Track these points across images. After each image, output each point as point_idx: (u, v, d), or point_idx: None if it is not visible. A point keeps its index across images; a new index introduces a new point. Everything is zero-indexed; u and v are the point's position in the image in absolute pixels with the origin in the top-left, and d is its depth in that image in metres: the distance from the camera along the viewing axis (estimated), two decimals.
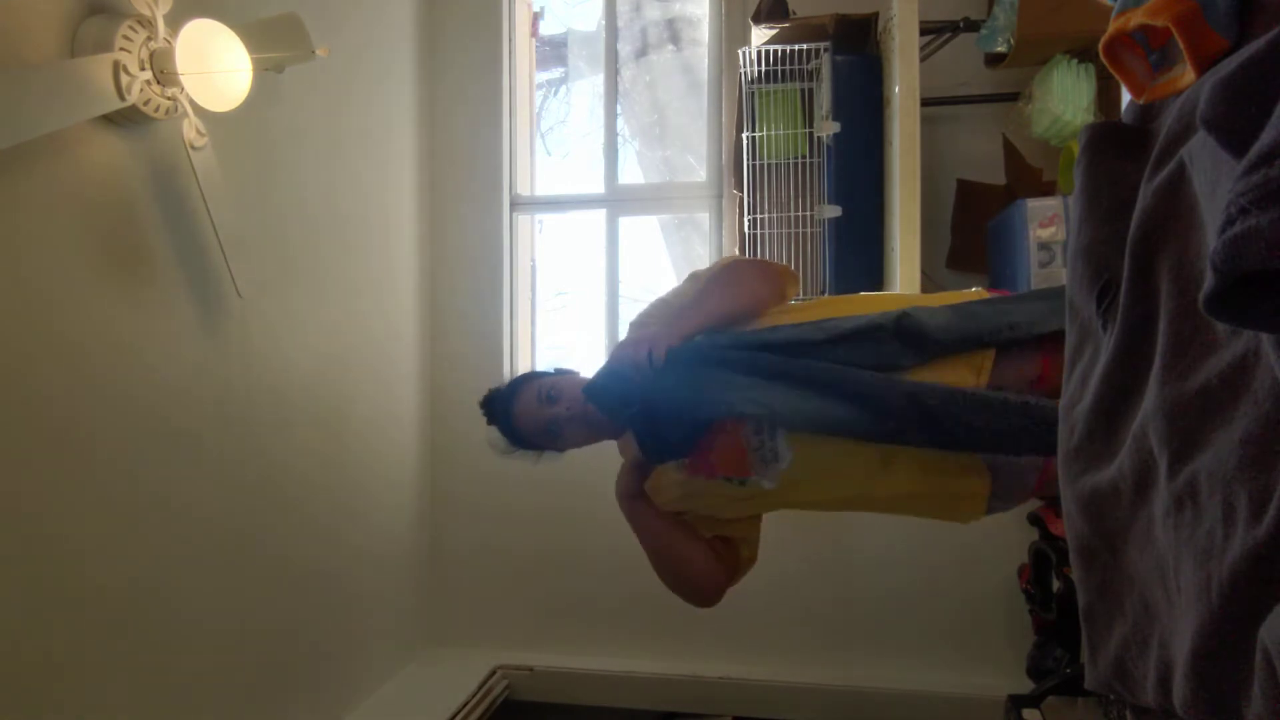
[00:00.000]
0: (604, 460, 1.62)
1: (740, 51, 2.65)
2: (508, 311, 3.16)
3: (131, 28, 1.64)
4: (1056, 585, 2.37)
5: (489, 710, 2.77)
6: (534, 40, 3.34)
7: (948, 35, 2.55)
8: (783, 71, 2.60)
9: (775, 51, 2.58)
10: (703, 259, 3.13)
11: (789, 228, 2.60)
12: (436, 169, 3.14)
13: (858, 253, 2.50)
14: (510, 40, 3.16)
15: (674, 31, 3.29)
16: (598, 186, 3.19)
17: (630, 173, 3.36)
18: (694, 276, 1.54)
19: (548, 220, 3.37)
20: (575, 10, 3.44)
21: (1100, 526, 0.67)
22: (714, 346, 1.35)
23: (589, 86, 3.43)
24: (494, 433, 1.55)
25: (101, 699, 1.71)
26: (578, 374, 1.56)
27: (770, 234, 2.61)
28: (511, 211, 3.20)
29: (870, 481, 1.34)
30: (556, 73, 3.53)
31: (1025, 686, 2.31)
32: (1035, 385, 1.29)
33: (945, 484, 1.32)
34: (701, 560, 1.43)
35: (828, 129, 2.51)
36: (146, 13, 1.66)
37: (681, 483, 1.41)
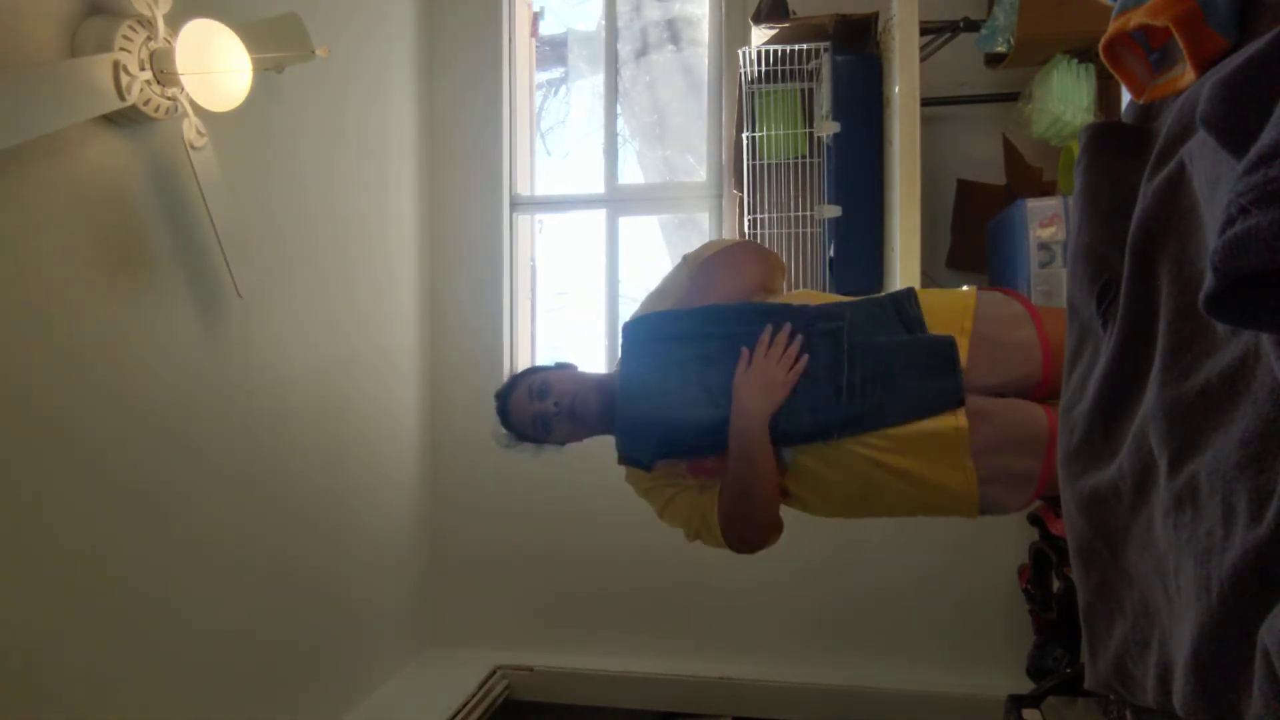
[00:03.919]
0: (604, 461, 1.62)
1: (740, 51, 2.65)
2: (508, 311, 3.16)
3: (131, 28, 1.64)
4: (1056, 585, 2.37)
5: (489, 710, 2.77)
6: (534, 40, 3.34)
7: (948, 35, 2.54)
8: (783, 71, 2.59)
9: (775, 51, 2.58)
10: None
11: (789, 228, 2.60)
12: (436, 169, 3.14)
13: (858, 253, 2.50)
14: (510, 40, 3.16)
15: (674, 31, 3.29)
16: (598, 186, 3.19)
17: (630, 173, 3.36)
18: (685, 260, 1.56)
19: (548, 220, 3.37)
20: (575, 10, 3.44)
21: (1100, 526, 0.67)
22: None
23: (589, 86, 3.43)
24: (498, 426, 1.59)
25: (104, 699, 1.71)
26: (575, 368, 1.60)
27: (770, 234, 2.61)
28: (511, 211, 3.19)
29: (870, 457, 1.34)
30: (556, 73, 3.53)
31: (1025, 686, 2.31)
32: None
33: (933, 463, 1.33)
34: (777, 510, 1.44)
35: (828, 129, 2.51)
36: (146, 13, 1.66)
37: (694, 484, 1.45)
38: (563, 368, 1.61)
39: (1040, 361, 1.36)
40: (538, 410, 1.49)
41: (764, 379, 1.32)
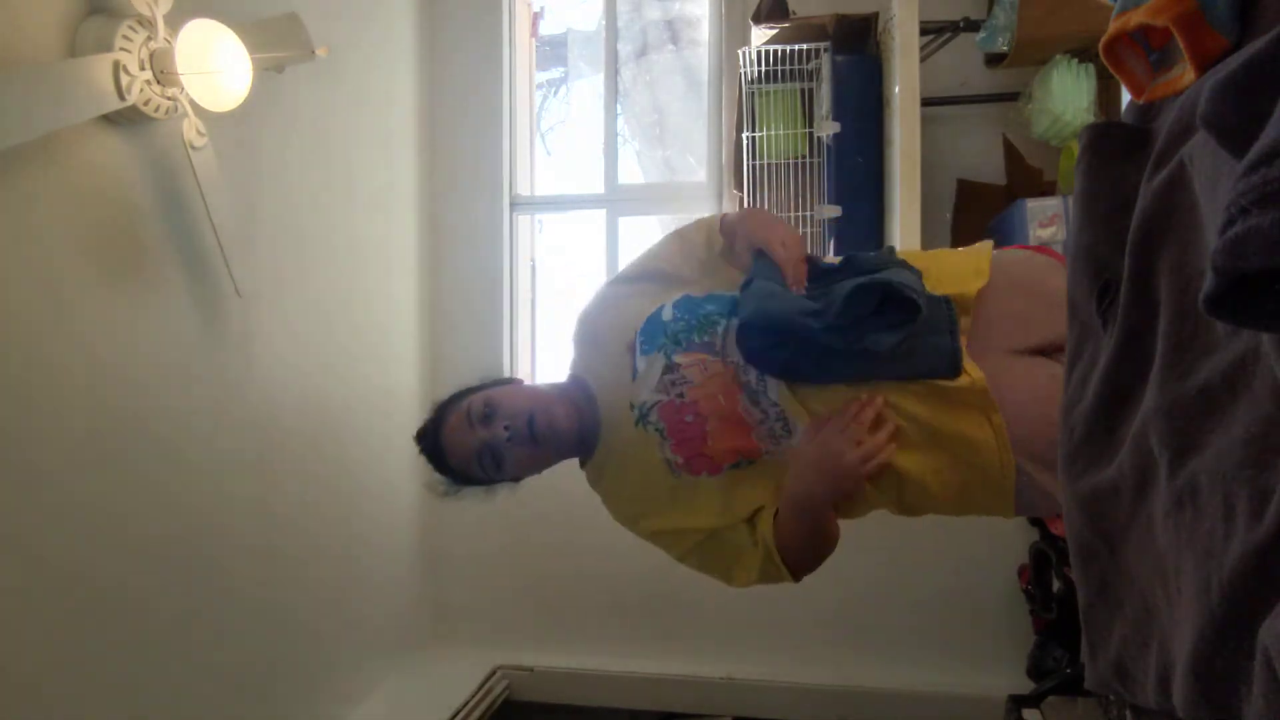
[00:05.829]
0: None
1: (740, 51, 2.65)
2: (508, 312, 3.16)
3: (131, 28, 1.64)
4: (1056, 585, 2.37)
5: (489, 710, 2.77)
6: (534, 40, 3.34)
7: (948, 35, 2.54)
8: (783, 71, 2.59)
9: (775, 51, 2.57)
10: None
11: None
12: (436, 169, 3.14)
13: (857, 253, 2.50)
14: (510, 40, 3.16)
15: (674, 31, 3.29)
16: (598, 186, 3.19)
17: (630, 173, 3.36)
18: (680, 235, 1.42)
19: (548, 220, 3.37)
20: (575, 10, 3.44)
21: (1100, 526, 0.67)
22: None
23: (589, 86, 3.43)
24: (434, 473, 1.35)
25: (102, 699, 1.71)
26: (520, 382, 1.35)
27: None
28: (511, 211, 3.19)
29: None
30: (556, 73, 3.53)
31: (1025, 686, 2.32)
32: None
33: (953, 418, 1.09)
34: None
35: (828, 129, 2.51)
36: (146, 13, 1.66)
37: (684, 485, 1.21)
38: (500, 384, 1.31)
39: None
40: (484, 439, 1.20)
41: (835, 466, 1.08)
